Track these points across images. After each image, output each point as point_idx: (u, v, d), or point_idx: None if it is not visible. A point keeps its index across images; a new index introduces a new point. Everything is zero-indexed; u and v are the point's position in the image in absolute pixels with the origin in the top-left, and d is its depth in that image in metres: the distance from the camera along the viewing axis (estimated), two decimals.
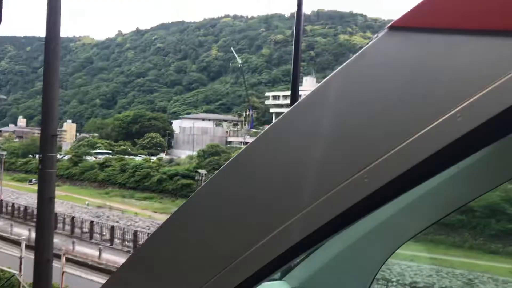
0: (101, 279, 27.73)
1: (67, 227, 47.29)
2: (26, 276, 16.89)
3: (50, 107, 9.81)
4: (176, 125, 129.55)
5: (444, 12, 0.92)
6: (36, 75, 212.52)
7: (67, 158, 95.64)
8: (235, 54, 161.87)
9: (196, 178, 64.77)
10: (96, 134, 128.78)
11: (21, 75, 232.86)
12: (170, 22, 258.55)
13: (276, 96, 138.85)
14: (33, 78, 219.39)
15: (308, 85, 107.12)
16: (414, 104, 0.93)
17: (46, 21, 9.56)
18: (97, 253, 37.23)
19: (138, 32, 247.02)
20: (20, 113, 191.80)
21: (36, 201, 10.17)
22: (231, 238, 1.16)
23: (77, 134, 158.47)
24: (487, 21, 0.87)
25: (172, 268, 1.29)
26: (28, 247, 20.66)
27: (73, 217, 49.50)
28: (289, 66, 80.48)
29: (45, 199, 9.57)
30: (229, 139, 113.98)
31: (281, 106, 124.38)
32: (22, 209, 55.95)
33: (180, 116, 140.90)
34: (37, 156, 18.69)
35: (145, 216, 64.25)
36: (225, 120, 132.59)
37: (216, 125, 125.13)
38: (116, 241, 42.98)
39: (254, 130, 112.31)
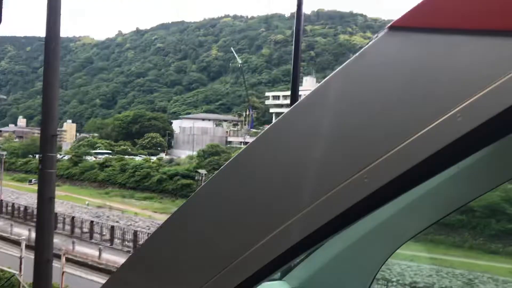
0: (101, 279, 27.73)
1: (67, 227, 47.30)
2: (26, 276, 16.88)
3: (50, 107, 9.82)
4: (176, 125, 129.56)
5: (444, 12, 0.92)
6: (36, 75, 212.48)
7: (67, 158, 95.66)
8: (235, 54, 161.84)
9: (196, 178, 64.78)
10: (96, 134, 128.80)
11: (21, 75, 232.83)
12: (170, 22, 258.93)
13: (276, 96, 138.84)
14: (33, 78, 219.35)
15: (308, 85, 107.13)
16: (414, 104, 0.93)
17: (46, 21, 9.56)
18: (97, 253, 37.22)
19: (138, 32, 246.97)
20: (20, 113, 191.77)
21: (36, 201, 10.17)
22: (231, 238, 1.16)
23: (77, 134, 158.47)
24: (487, 21, 0.87)
25: (172, 268, 1.29)
26: (28, 247, 20.66)
27: (73, 217, 49.50)
28: (289, 66, 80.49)
29: (45, 199, 9.57)
30: (229, 139, 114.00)
31: (281, 106, 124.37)
32: (22, 209, 55.94)
33: (180, 116, 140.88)
34: (37, 156, 18.70)
35: (145, 216, 64.24)
36: (225, 120, 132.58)
37: (216, 125, 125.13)
38: (116, 241, 42.99)
39: (254, 130, 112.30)
